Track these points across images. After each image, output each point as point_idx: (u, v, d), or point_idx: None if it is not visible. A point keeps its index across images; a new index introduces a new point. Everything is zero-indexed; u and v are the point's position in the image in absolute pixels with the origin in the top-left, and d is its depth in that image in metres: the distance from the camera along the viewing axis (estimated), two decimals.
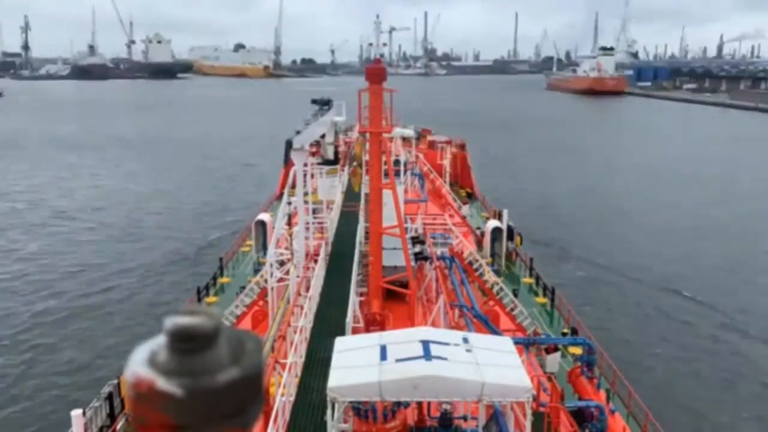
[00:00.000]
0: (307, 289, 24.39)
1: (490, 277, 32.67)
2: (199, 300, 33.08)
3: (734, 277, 46.09)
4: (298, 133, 27.86)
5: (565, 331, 29.21)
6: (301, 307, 22.43)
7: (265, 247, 36.12)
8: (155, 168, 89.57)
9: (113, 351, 33.24)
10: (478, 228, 44.47)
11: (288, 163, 45.70)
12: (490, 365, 14.17)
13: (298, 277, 25.57)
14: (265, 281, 28.15)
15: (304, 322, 20.99)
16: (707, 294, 42.51)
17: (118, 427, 20.71)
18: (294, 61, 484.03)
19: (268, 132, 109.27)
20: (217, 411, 1.20)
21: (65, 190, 74.68)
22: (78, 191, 74.08)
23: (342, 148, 60.17)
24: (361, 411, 15.61)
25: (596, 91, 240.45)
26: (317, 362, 18.80)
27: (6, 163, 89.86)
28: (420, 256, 31.24)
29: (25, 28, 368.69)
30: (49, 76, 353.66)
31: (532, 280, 36.91)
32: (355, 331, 21.75)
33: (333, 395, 13.79)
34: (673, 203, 68.00)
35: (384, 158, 25.09)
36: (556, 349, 24.89)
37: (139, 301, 40.79)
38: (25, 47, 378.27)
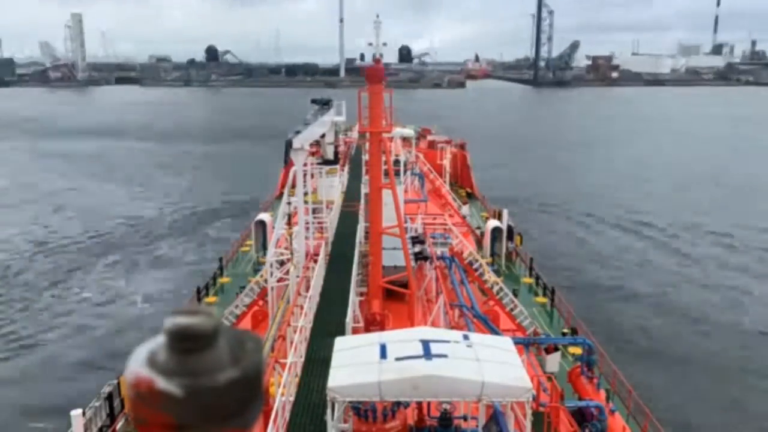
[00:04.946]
0: (307, 289, 24.38)
1: (490, 277, 32.66)
2: (199, 300, 33.08)
3: (736, 273, 46.08)
4: (297, 132, 27.86)
5: (565, 331, 29.20)
6: (301, 307, 22.42)
7: (265, 247, 36.14)
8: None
9: (113, 351, 33.25)
10: (478, 228, 44.47)
11: (288, 162, 45.69)
12: (490, 365, 14.16)
13: (297, 277, 25.56)
14: (265, 281, 28.15)
15: (303, 322, 20.99)
16: (707, 292, 42.53)
17: (118, 427, 20.71)
18: None
19: None
20: (216, 411, 1.20)
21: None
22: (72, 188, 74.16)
23: (342, 148, 60.18)
24: (361, 411, 15.60)
25: None
26: (317, 362, 18.79)
27: None
28: (420, 256, 31.24)
29: None
30: None
31: (532, 280, 36.90)
32: (355, 331, 21.75)
33: (333, 395, 13.78)
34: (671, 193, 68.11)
35: (384, 158, 25.07)
36: (556, 349, 24.87)
37: (138, 301, 40.80)
38: None
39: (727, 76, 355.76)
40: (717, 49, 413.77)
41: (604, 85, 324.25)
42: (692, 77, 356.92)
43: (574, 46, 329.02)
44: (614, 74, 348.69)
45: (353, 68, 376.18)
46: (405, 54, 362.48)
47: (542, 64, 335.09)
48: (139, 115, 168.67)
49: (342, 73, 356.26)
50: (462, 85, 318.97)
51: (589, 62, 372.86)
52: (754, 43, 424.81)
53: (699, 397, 29.70)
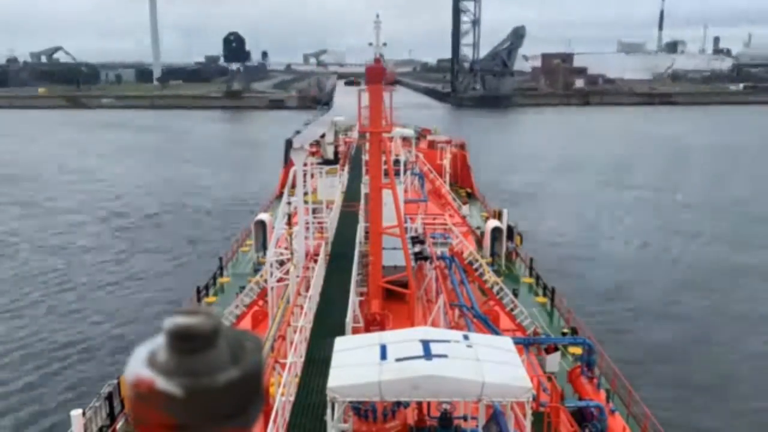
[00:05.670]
0: (307, 289, 24.39)
1: (490, 277, 32.66)
2: (199, 300, 33.08)
3: (736, 274, 46.07)
4: (298, 132, 27.91)
5: (565, 331, 29.22)
6: (301, 307, 22.43)
7: (264, 247, 36.15)
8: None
9: (113, 351, 33.25)
10: (478, 228, 44.47)
11: (288, 162, 45.78)
12: (490, 365, 14.17)
13: (298, 277, 25.56)
14: (265, 281, 28.16)
15: (304, 322, 21.00)
16: (707, 292, 42.52)
17: (118, 427, 20.70)
18: None
19: None
20: (217, 411, 1.20)
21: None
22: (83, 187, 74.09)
23: (342, 148, 60.25)
24: (361, 411, 15.62)
25: None
26: (317, 362, 18.80)
27: None
28: (420, 256, 31.24)
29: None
30: None
31: (532, 280, 36.91)
32: (355, 331, 21.75)
33: (333, 395, 13.79)
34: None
35: (384, 158, 25.07)
36: (556, 349, 24.89)
37: (138, 301, 40.79)
38: None
39: (756, 85, 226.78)
40: (671, 47, 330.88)
41: (572, 104, 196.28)
42: (715, 90, 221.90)
43: (518, 34, 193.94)
44: (579, 82, 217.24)
45: (193, 70, 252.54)
46: (236, 48, 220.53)
47: (466, 65, 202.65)
48: None
49: (156, 78, 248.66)
50: (322, 102, 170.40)
51: (536, 64, 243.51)
52: (717, 39, 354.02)
53: (700, 397, 29.69)
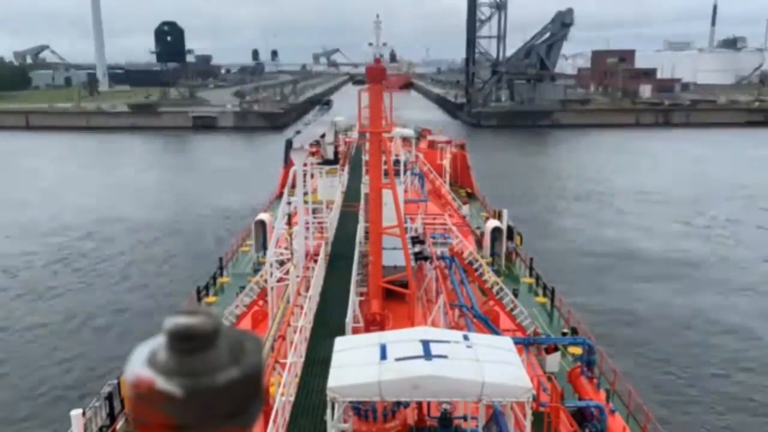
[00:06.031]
0: (307, 289, 24.40)
1: (490, 277, 32.65)
2: (199, 300, 33.09)
3: (738, 273, 46.07)
4: (298, 132, 27.94)
5: (565, 331, 29.22)
6: (301, 307, 22.44)
7: (264, 247, 36.17)
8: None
9: (113, 351, 33.23)
10: (478, 228, 44.48)
11: (288, 162, 45.83)
12: (490, 365, 14.18)
13: (297, 277, 25.57)
14: (265, 281, 28.17)
15: (303, 322, 21.01)
16: (707, 291, 42.52)
17: (118, 427, 20.71)
18: None
19: None
20: (216, 411, 1.20)
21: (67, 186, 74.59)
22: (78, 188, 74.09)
23: (342, 148, 60.28)
24: (361, 411, 15.63)
25: None
26: (317, 362, 18.81)
27: None
28: (420, 256, 31.25)
29: None
30: None
31: (532, 280, 36.91)
32: (355, 331, 21.75)
33: (333, 395, 13.80)
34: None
35: (384, 158, 25.07)
36: (556, 349, 24.89)
37: (138, 301, 40.79)
38: None
39: None
40: (728, 45, 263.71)
41: (643, 124, 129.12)
42: None
43: (563, 23, 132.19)
44: (645, 90, 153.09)
45: (161, 71, 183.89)
46: (171, 43, 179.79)
47: (488, 64, 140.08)
48: None
49: (104, 83, 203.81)
50: (272, 123, 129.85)
51: (582, 64, 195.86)
52: None
53: (699, 396, 29.69)
